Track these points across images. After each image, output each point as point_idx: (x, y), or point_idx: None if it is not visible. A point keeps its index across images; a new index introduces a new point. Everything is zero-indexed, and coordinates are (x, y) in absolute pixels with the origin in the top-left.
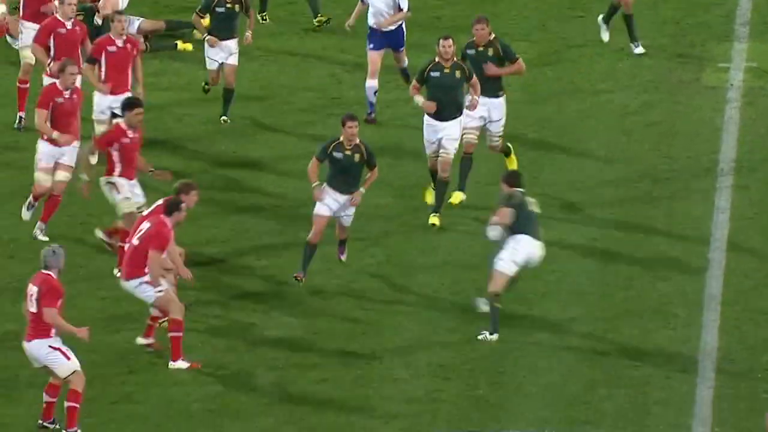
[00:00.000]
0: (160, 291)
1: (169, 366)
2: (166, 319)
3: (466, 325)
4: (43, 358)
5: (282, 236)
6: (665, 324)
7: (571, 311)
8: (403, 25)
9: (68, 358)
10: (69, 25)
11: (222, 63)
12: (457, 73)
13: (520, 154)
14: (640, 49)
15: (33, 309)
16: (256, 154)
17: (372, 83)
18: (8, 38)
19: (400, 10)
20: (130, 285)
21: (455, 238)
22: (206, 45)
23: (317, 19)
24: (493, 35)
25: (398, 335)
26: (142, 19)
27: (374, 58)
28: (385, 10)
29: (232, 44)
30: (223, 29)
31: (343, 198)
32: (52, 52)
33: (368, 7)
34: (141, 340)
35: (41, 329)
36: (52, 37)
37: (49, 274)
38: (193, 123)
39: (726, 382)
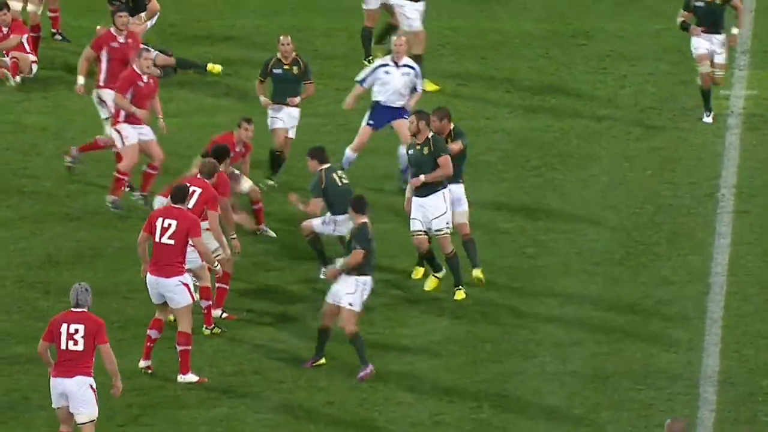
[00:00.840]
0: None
1: (178, 379)
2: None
3: (470, 348)
4: (79, 395)
5: (287, 257)
6: (667, 348)
7: (575, 335)
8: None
9: (96, 403)
10: (145, 78)
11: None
12: (425, 150)
13: (523, 180)
14: (709, 119)
15: (79, 348)
16: (262, 177)
17: (353, 156)
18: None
19: (415, 91)
20: (169, 284)
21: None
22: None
23: (368, 60)
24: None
25: (402, 358)
26: (156, 52)
27: (367, 133)
28: (402, 90)
29: (294, 111)
30: (280, 93)
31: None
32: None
33: (371, 86)
34: (142, 363)
35: (85, 366)
36: (131, 89)
37: (85, 312)
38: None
39: (727, 405)
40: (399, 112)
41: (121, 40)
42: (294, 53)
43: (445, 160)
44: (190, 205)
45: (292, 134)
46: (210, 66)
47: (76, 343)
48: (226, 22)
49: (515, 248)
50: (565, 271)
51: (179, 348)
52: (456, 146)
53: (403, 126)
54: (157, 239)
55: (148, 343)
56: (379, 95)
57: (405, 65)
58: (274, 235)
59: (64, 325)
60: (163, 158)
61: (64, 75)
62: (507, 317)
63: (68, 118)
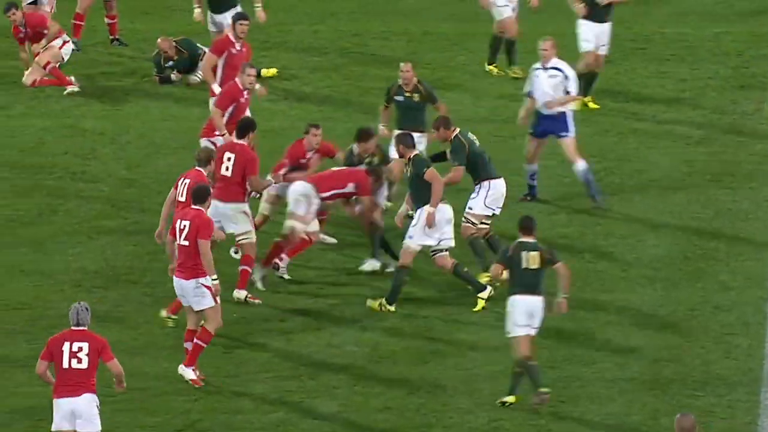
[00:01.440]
0: (212, 301)
1: (178, 370)
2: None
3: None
4: (88, 413)
5: (342, 261)
6: (727, 354)
7: (633, 340)
8: (568, 113)
9: (99, 422)
10: (246, 94)
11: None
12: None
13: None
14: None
15: (83, 366)
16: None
17: (531, 167)
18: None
19: (568, 93)
20: (187, 286)
21: None
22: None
23: (513, 69)
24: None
25: (461, 364)
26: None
27: (530, 142)
28: (552, 93)
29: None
30: (404, 119)
31: None
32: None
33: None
34: (185, 372)
35: (91, 384)
36: (233, 105)
37: (86, 330)
38: None
39: None
40: (558, 125)
41: (238, 47)
42: (415, 79)
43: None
44: (229, 173)
45: None
46: (264, 71)
47: (80, 361)
48: (283, 27)
49: (574, 253)
50: (623, 276)
51: (195, 341)
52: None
53: (566, 144)
54: (177, 241)
55: (189, 354)
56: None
57: (552, 67)
58: (334, 241)
59: (66, 344)
60: None
61: (122, 79)
62: (565, 323)
63: (125, 123)
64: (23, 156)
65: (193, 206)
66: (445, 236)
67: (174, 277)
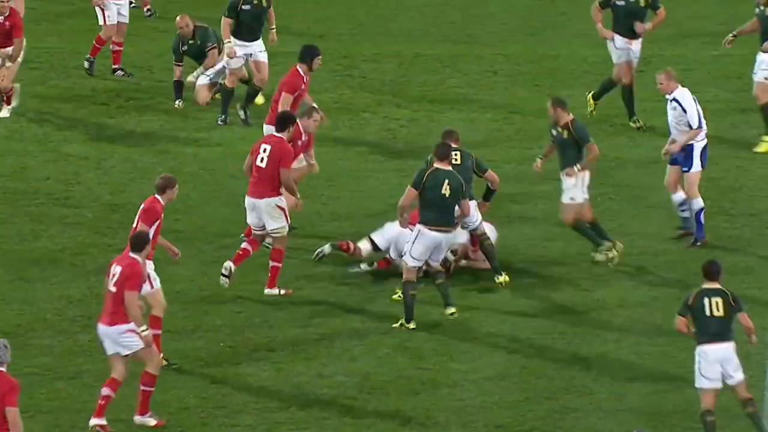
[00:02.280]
0: (141, 342)
1: (135, 420)
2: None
3: (523, 384)
4: None
5: (332, 290)
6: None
7: (632, 371)
8: (695, 147)
9: None
10: (304, 137)
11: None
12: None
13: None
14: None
15: None
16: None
17: (674, 197)
18: None
19: (690, 127)
20: (113, 332)
21: (510, 293)
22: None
23: (633, 120)
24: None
25: (454, 395)
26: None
27: (670, 171)
28: (675, 125)
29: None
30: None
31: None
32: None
33: None
34: (94, 421)
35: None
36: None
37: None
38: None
39: None
40: (684, 157)
41: (306, 81)
42: (569, 117)
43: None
44: (263, 164)
45: None
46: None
47: None
48: (271, 48)
49: (570, 281)
50: (621, 304)
51: (142, 388)
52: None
53: (686, 178)
54: (107, 288)
55: (101, 401)
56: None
57: (672, 99)
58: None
59: None
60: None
61: (106, 102)
62: (562, 352)
63: (109, 147)
64: (5, 181)
65: (130, 254)
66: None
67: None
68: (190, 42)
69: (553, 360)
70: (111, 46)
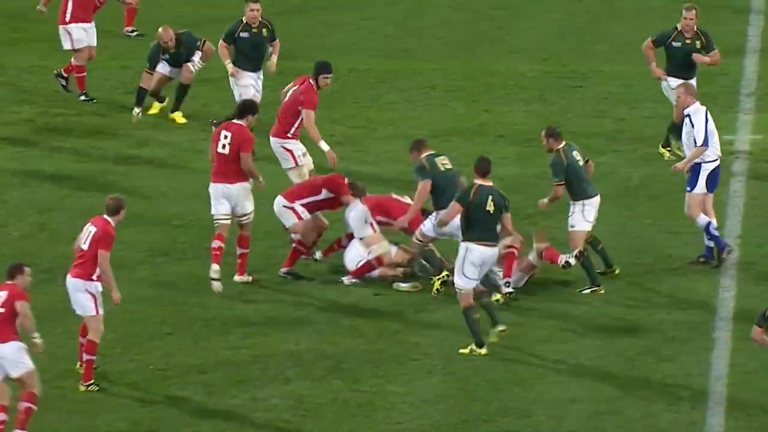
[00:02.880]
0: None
1: (80, 388)
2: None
3: (461, 407)
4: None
5: (266, 310)
6: (669, 407)
7: (571, 392)
8: (702, 167)
9: None
10: None
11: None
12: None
13: (521, 228)
14: None
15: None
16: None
17: (700, 220)
18: None
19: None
20: (77, 285)
21: (451, 314)
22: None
23: (677, 145)
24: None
25: (391, 418)
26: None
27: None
28: (685, 141)
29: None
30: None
31: None
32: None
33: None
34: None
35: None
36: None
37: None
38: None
39: None
40: (689, 178)
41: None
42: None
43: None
44: (225, 151)
45: None
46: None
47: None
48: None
49: (509, 300)
50: (561, 326)
51: (86, 357)
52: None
53: (687, 199)
54: (79, 245)
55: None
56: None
57: (687, 115)
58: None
59: None
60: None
61: (32, 119)
62: (500, 374)
63: (36, 165)
64: None
65: (104, 216)
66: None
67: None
68: (172, 51)
69: (491, 381)
70: (73, 73)
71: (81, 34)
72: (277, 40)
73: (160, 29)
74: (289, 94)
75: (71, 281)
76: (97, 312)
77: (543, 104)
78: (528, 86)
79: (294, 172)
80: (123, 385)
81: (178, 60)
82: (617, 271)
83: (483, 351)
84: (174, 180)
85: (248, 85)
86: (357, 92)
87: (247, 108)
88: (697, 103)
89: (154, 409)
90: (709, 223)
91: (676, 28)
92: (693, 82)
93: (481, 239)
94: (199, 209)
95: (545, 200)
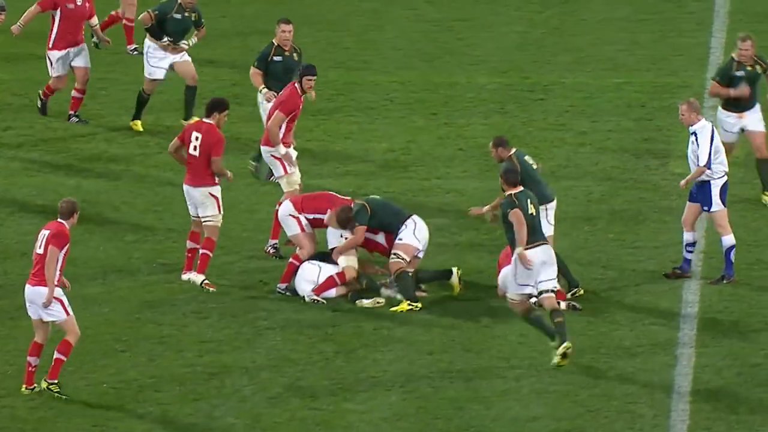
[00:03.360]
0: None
1: (42, 383)
2: None
3: (421, 425)
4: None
5: (221, 326)
6: (631, 425)
7: (533, 410)
8: (712, 184)
9: None
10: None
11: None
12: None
13: (478, 243)
14: None
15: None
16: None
17: (686, 236)
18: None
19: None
20: (38, 292)
21: (410, 331)
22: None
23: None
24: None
25: None
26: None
27: (688, 209)
28: (691, 157)
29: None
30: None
31: None
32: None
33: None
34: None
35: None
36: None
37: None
38: None
39: None
40: (704, 197)
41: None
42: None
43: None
44: (196, 153)
45: None
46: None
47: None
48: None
49: (469, 317)
50: (522, 341)
51: (57, 355)
52: None
53: (712, 218)
54: (35, 251)
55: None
56: None
57: (692, 133)
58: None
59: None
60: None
61: None
62: (460, 391)
63: None
64: None
65: (58, 219)
66: (543, 279)
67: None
68: (185, 16)
69: (451, 399)
70: (72, 92)
71: (62, 62)
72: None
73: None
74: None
75: (31, 290)
76: (68, 314)
77: (503, 117)
78: (488, 99)
79: (284, 180)
80: (75, 403)
81: (184, 26)
82: (581, 292)
83: (564, 362)
84: (127, 195)
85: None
86: (315, 105)
87: (215, 105)
88: (703, 120)
89: (107, 428)
90: (732, 247)
91: (733, 59)
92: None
93: (531, 242)
94: (154, 224)
95: (487, 206)
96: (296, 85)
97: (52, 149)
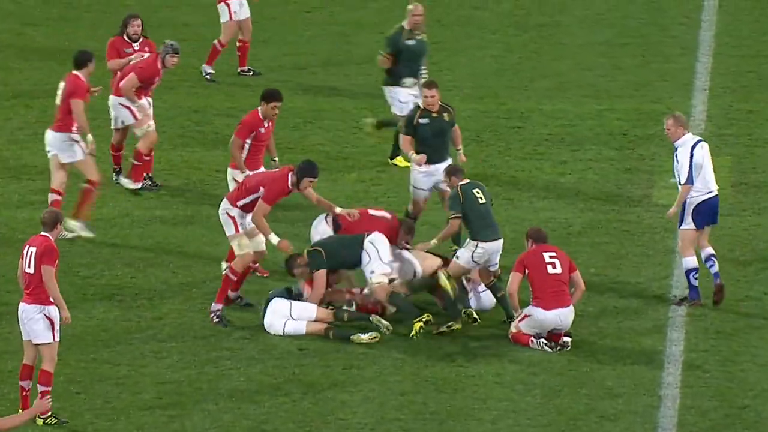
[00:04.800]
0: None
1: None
2: None
3: None
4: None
5: (182, 372)
6: None
7: None
8: (687, 202)
9: None
10: (266, 123)
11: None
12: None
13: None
14: None
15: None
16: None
17: (685, 262)
18: None
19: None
20: (31, 311)
21: (381, 370)
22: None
23: None
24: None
25: None
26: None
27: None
28: (675, 174)
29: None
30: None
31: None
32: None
33: None
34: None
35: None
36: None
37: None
38: None
39: None
40: (681, 214)
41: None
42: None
43: None
44: (58, 101)
45: None
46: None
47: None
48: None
49: (442, 355)
50: (498, 381)
51: (41, 388)
52: None
53: (679, 236)
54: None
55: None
56: None
57: (677, 147)
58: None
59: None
60: None
61: None
62: None
63: None
64: None
65: (42, 233)
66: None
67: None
68: (418, 37)
69: None
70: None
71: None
72: (457, 125)
73: (410, 5)
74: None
75: (25, 308)
76: (54, 339)
77: (479, 145)
78: (463, 126)
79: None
80: None
81: (419, 52)
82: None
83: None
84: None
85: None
86: (280, 133)
87: (83, 58)
88: (688, 135)
89: None
90: (694, 269)
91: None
92: None
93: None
94: (109, 258)
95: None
96: (258, 109)
97: (2, 181)
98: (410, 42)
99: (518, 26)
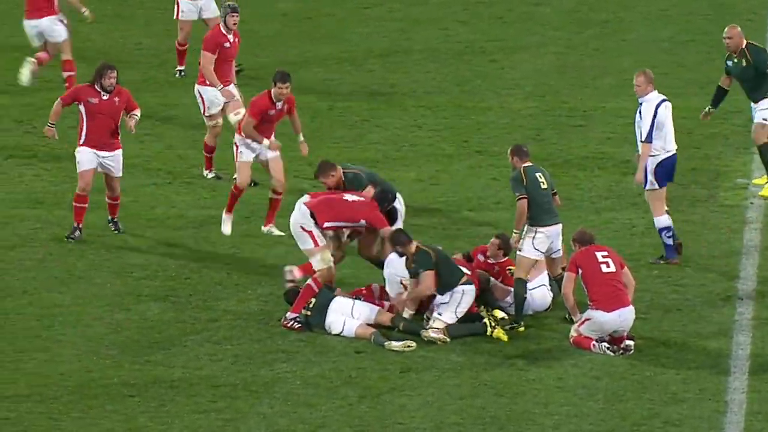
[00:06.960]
0: None
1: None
2: None
3: None
4: None
5: (238, 375)
6: None
7: None
8: (648, 162)
9: None
10: (279, 105)
11: None
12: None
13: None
14: None
15: None
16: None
17: (658, 221)
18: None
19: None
20: None
21: (439, 374)
22: None
23: None
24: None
25: None
26: None
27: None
28: (637, 132)
29: None
30: None
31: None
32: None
33: None
34: None
35: None
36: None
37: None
38: None
39: None
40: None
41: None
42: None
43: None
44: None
45: None
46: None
47: None
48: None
49: (502, 359)
50: (560, 386)
51: None
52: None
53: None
54: None
55: None
56: None
57: (641, 103)
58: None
59: None
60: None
61: None
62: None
63: None
64: None
65: None
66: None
67: None
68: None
69: None
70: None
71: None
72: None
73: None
74: None
75: None
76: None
77: (540, 145)
78: (524, 125)
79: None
80: None
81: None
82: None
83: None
84: (137, 229)
85: None
86: (337, 132)
87: None
88: (654, 92)
89: None
90: (666, 228)
91: None
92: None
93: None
94: (163, 259)
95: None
96: (270, 90)
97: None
98: None
99: (580, 23)
